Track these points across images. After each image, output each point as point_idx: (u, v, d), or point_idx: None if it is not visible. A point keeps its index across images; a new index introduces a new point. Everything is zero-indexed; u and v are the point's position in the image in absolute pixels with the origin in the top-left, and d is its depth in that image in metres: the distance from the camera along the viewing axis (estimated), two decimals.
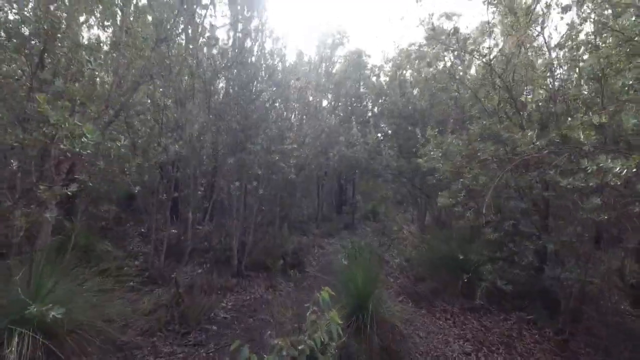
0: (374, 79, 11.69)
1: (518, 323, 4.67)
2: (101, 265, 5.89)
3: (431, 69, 7.73)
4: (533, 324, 4.62)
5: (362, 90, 12.16)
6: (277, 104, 7.17)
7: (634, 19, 3.40)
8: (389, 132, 9.07)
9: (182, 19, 4.50)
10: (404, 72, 8.61)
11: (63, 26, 3.42)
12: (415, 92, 8.52)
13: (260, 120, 5.58)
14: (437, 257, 6.62)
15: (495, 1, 4.62)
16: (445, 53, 7.82)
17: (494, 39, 5.92)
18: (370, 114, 11.97)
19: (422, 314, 5.02)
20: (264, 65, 6.16)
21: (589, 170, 2.52)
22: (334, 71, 14.50)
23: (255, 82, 5.17)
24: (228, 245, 6.40)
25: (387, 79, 9.98)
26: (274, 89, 6.42)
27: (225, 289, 5.30)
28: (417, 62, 8.47)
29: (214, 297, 4.97)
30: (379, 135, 8.87)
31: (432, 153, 3.87)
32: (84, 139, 2.40)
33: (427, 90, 7.47)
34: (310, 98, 8.88)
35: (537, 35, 4.97)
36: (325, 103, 13.62)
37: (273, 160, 6.04)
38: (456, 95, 5.85)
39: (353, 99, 12.27)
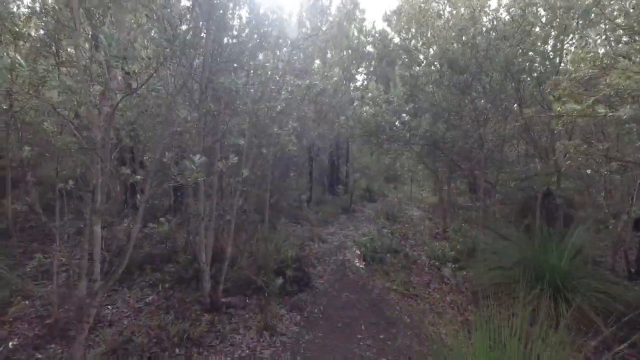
0: (383, 25, 9.28)
1: None
2: None
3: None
4: None
5: (367, 48, 9.74)
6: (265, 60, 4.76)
7: None
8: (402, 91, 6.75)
9: None
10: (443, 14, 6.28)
11: None
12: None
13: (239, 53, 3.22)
14: (503, 262, 4.62)
15: None
16: None
17: None
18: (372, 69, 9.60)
19: None
20: None
21: None
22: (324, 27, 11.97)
23: None
24: (195, 255, 4.13)
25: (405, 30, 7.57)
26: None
27: (189, 341, 3.07)
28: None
29: None
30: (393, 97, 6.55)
31: None
32: None
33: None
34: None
35: None
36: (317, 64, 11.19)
37: (263, 122, 3.72)
38: None
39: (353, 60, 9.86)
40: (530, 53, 4.51)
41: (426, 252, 6.51)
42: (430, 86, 5.24)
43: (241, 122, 3.92)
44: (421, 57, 6.71)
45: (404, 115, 5.62)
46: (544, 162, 4.86)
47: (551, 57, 4.58)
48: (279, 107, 2.23)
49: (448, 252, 5.98)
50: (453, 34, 4.76)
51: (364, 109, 6.29)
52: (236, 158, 2.38)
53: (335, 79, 7.80)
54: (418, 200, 14.28)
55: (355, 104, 6.83)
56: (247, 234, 5.68)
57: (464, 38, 4.58)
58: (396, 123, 5.46)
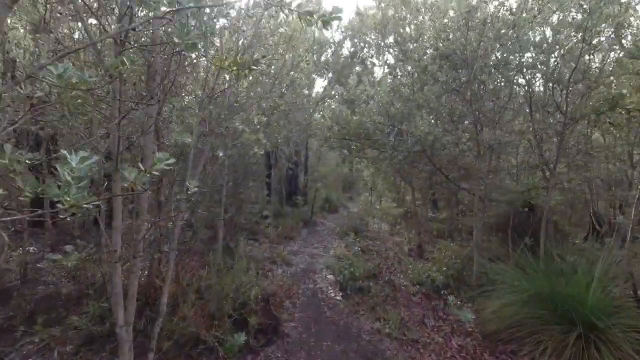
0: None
1: None
2: None
3: None
4: None
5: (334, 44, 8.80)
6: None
7: None
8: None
9: None
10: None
11: None
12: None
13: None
14: (514, 294, 3.82)
15: None
16: None
17: None
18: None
19: None
20: None
21: None
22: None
23: None
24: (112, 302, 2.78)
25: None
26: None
27: None
28: None
29: None
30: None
31: None
32: None
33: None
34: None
35: None
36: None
37: (221, 113, 2.56)
38: None
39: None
40: (545, 45, 3.83)
41: (408, 276, 5.63)
42: (409, 86, 4.38)
43: (191, 115, 2.72)
44: (397, 54, 5.89)
45: (389, 117, 4.70)
46: (551, 173, 4.21)
47: (564, 52, 3.94)
48: (262, 60, 1.15)
49: (436, 277, 5.13)
50: (446, 20, 3.95)
51: (336, 106, 5.32)
52: (173, 161, 1.23)
53: (302, 72, 6.76)
54: (380, 211, 13.61)
55: (327, 102, 5.86)
56: (194, 261, 4.38)
57: (470, 24, 3.78)
58: (384, 125, 4.52)
